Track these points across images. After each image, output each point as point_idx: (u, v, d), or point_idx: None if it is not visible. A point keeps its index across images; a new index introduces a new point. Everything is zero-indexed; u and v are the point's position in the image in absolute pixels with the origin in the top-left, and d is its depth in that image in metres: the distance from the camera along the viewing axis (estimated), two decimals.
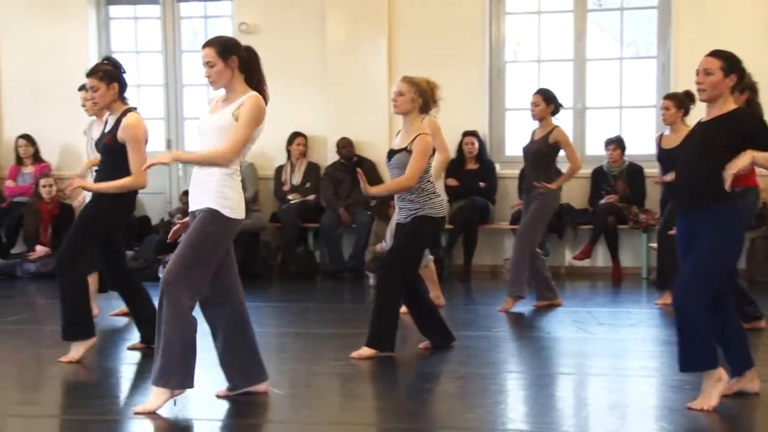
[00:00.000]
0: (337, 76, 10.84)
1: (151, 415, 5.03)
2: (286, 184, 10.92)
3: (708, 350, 4.99)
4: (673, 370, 5.53)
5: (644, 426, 4.98)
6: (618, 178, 10.32)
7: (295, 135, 10.91)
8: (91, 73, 6.32)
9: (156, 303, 5.13)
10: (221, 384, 5.42)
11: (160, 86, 11.67)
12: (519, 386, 5.99)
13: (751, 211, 7.07)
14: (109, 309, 8.07)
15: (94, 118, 7.33)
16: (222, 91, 5.25)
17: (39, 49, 11.40)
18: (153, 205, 11.23)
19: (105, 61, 6.47)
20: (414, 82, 6.46)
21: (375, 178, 10.11)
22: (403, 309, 6.85)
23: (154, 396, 5.09)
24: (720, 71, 5.01)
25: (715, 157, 4.95)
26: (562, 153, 8.26)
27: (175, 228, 5.40)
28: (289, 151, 10.96)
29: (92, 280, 7.34)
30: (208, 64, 5.13)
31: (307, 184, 10.88)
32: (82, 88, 7.33)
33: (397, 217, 6.69)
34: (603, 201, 10.21)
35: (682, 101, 8.09)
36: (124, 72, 6.37)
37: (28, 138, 11.26)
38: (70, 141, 11.05)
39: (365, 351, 6.37)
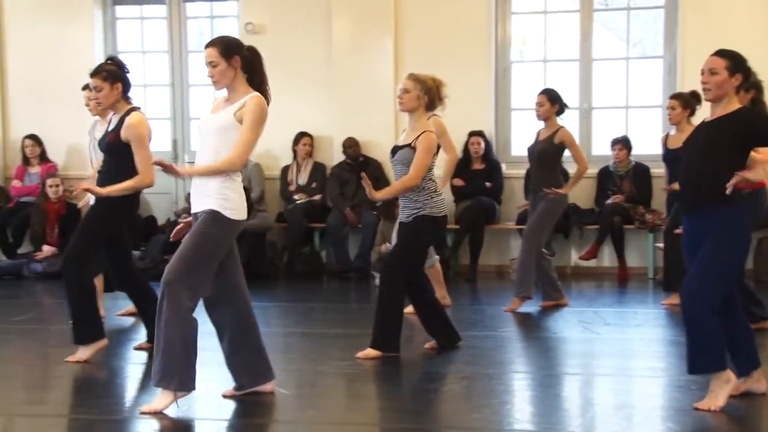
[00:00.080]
0: (343, 76, 10.84)
1: (158, 414, 5.04)
2: (292, 184, 10.93)
3: (716, 352, 4.97)
4: (680, 371, 5.53)
5: (651, 426, 4.97)
6: (624, 178, 10.30)
7: (301, 135, 10.91)
8: (94, 73, 6.31)
9: None
10: (228, 384, 5.43)
11: (166, 86, 11.69)
12: (525, 386, 5.98)
13: (760, 212, 7.04)
14: (116, 309, 8.08)
15: (97, 118, 7.32)
16: (225, 92, 5.25)
17: (45, 49, 11.42)
18: (159, 205, 11.26)
19: (108, 61, 6.47)
20: (420, 80, 6.46)
21: (381, 178, 10.12)
22: (410, 309, 6.86)
23: (160, 396, 5.10)
24: (725, 71, 5.00)
25: (719, 157, 4.94)
26: (566, 153, 8.26)
27: (178, 227, 5.41)
28: (295, 151, 10.97)
29: (98, 281, 7.34)
30: (211, 64, 5.13)
31: (313, 184, 10.89)
32: (86, 87, 7.33)
33: (399, 216, 6.69)
34: (609, 201, 10.19)
35: (688, 101, 8.08)
36: (128, 72, 6.37)
37: (34, 138, 11.29)
38: (76, 141, 11.05)
39: (371, 352, 6.37)
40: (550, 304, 8.36)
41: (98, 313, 6.49)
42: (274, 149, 10.92)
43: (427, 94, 6.45)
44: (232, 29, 11.21)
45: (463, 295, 9.34)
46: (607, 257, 10.49)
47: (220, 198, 5.07)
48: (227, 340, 5.34)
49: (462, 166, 10.35)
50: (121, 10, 11.84)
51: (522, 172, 10.03)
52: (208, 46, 5.15)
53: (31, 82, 11.53)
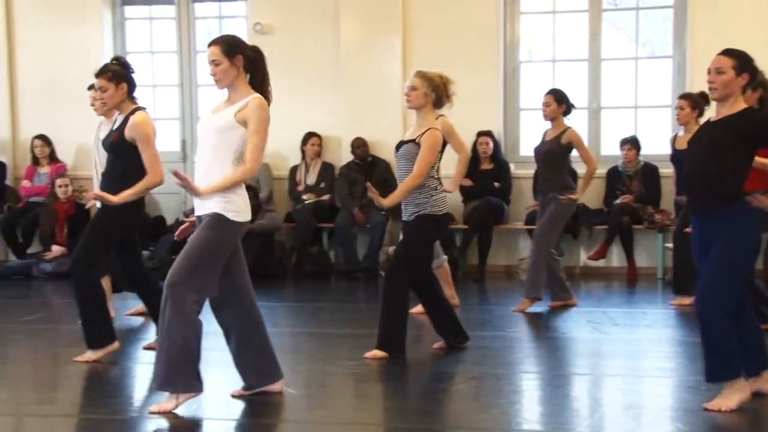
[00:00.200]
0: (351, 76, 10.84)
1: (167, 414, 5.04)
2: (300, 184, 10.94)
3: (728, 357, 4.96)
4: (689, 371, 5.53)
5: (660, 427, 4.96)
6: (633, 178, 10.28)
7: (310, 135, 10.92)
8: (99, 74, 6.31)
9: None
10: (236, 383, 5.43)
11: (174, 86, 11.71)
12: (534, 387, 5.98)
13: None
14: (125, 309, 8.10)
15: (103, 118, 7.31)
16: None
17: (55, 49, 11.45)
18: (168, 205, 11.28)
19: (114, 61, 6.46)
20: (427, 77, 6.44)
21: (389, 179, 10.10)
22: (419, 308, 6.84)
23: (169, 396, 5.10)
24: (732, 70, 4.98)
25: (723, 157, 4.92)
26: (574, 153, 8.25)
27: (183, 226, 5.42)
28: (303, 151, 10.97)
29: (105, 282, 7.35)
30: (214, 63, 5.12)
31: (322, 184, 10.89)
32: (91, 87, 7.31)
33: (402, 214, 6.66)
34: (618, 201, 10.18)
35: (696, 102, 8.06)
36: (133, 72, 6.36)
37: (44, 138, 11.31)
38: (85, 141, 10.98)
39: (377, 352, 6.36)
40: (558, 304, 8.35)
41: (108, 314, 6.48)
42: (283, 149, 10.93)
43: (435, 92, 6.42)
44: (240, 30, 11.23)
45: (471, 295, 9.34)
46: (616, 257, 10.47)
47: (223, 201, 5.06)
48: (234, 340, 5.34)
49: (470, 166, 10.32)
50: (130, 10, 11.86)
51: (531, 172, 10.01)
52: (211, 44, 5.15)
53: (40, 82, 11.56)
